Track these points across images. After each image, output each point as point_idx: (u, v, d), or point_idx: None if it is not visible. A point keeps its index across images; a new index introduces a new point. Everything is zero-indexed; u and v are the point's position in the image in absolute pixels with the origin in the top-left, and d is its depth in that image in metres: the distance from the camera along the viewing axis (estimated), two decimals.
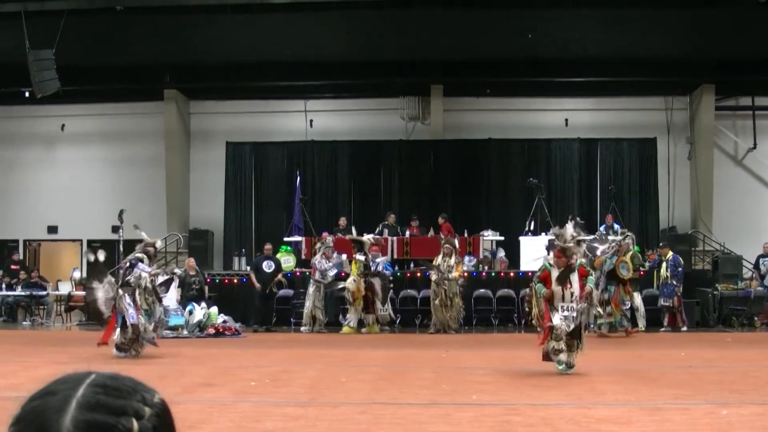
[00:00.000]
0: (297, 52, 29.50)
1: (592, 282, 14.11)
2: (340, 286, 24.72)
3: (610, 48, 29.30)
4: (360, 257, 24.67)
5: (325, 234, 26.92)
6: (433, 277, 24.55)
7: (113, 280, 18.58)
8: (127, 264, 18.65)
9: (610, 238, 25.08)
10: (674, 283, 25.17)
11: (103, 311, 18.28)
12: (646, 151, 32.18)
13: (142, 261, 18.51)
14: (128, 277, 18.20)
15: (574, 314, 14.19)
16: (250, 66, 31.04)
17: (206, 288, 26.66)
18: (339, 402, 11.91)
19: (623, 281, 23.98)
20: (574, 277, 14.25)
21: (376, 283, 24.74)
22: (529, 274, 25.51)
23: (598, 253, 23.22)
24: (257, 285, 25.50)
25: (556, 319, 14.13)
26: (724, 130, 33.07)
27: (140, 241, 19.38)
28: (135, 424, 1.59)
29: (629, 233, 26.02)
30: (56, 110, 33.48)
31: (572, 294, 14.18)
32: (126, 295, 17.85)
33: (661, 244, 26.99)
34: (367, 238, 25.28)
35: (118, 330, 17.86)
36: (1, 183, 34.87)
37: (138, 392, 1.65)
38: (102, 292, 18.26)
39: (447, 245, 24.76)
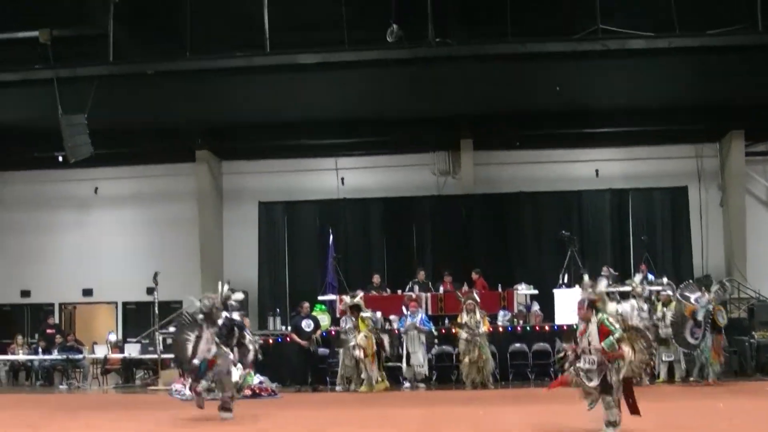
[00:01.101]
0: (327, 110, 29.64)
1: (608, 342, 13.89)
2: (352, 344, 24.64)
3: (638, 97, 29.25)
4: (366, 314, 24.66)
5: (342, 297, 26.81)
6: (463, 335, 24.47)
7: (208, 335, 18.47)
8: (226, 321, 18.50)
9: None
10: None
11: (190, 359, 18.26)
12: (677, 199, 32.12)
13: (244, 324, 18.74)
14: (238, 338, 18.37)
15: (594, 367, 13.98)
16: (281, 125, 31.20)
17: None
18: None
19: (719, 329, 23.91)
20: (593, 329, 14.06)
21: (385, 339, 24.71)
22: (564, 327, 25.50)
23: (692, 300, 23.25)
24: (304, 342, 25.41)
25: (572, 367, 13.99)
26: (754, 176, 32.95)
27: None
28: None
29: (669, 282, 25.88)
30: (89, 173, 33.72)
31: (590, 344, 13.99)
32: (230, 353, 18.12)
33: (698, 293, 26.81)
34: (359, 300, 25.22)
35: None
36: (36, 246, 35.07)
37: None
38: (191, 343, 18.30)
39: (469, 301, 24.71)
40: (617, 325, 13.84)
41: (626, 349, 13.70)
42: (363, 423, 17.13)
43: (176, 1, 25.80)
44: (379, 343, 24.56)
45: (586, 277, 14.83)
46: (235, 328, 18.35)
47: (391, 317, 26.43)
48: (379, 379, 24.55)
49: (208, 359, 17.78)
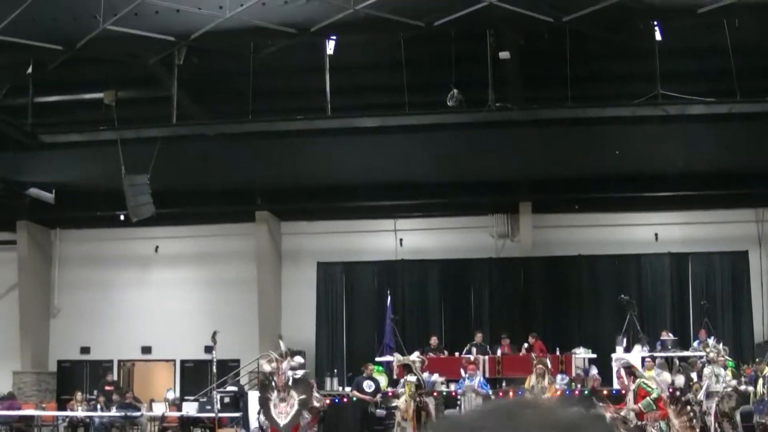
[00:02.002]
0: (386, 172, 29.81)
1: (645, 403, 13.84)
2: (393, 404, 24.59)
3: (697, 161, 29.16)
4: (411, 378, 24.59)
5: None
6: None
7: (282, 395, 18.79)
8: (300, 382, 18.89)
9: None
10: None
11: (278, 422, 18.59)
12: (737, 263, 31.91)
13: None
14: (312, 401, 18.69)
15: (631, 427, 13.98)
16: (340, 187, 31.42)
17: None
18: None
19: None
20: (630, 395, 14.06)
21: (430, 402, 24.55)
22: (623, 391, 25.30)
23: None
24: (368, 397, 25.40)
25: None
26: None
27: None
28: None
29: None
30: (150, 232, 34.09)
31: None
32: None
33: (757, 360, 26.61)
34: (415, 358, 25.13)
35: None
36: (96, 304, 35.44)
37: None
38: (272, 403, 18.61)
39: (540, 365, 24.59)
40: (653, 386, 13.86)
41: (670, 410, 13.68)
42: None
43: (239, 64, 26.12)
44: (422, 407, 24.38)
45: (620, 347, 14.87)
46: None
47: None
48: None
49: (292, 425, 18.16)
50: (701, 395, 23.18)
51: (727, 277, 31.90)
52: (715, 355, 23.76)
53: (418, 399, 24.24)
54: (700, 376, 24.41)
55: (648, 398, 13.97)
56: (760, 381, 24.98)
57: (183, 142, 27.80)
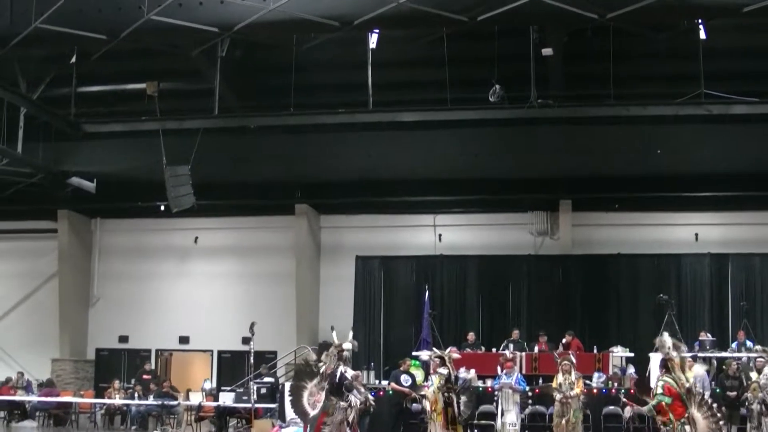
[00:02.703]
0: (426, 168, 29.80)
1: (648, 408, 13.89)
2: (422, 393, 24.55)
3: (739, 162, 28.97)
4: (442, 371, 24.53)
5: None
6: (557, 396, 24.31)
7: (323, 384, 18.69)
8: (339, 376, 18.66)
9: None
10: None
11: (307, 411, 18.50)
12: None
13: (353, 385, 18.66)
14: (348, 395, 18.46)
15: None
16: (380, 181, 31.42)
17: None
18: None
19: None
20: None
21: (462, 398, 24.39)
22: (632, 391, 25.30)
23: None
24: (407, 390, 25.39)
25: None
26: None
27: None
28: None
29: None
30: (190, 224, 34.26)
31: None
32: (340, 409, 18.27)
33: None
34: (450, 352, 25.05)
35: None
36: (135, 293, 35.65)
37: None
38: (308, 392, 18.58)
39: (565, 363, 24.50)
40: (660, 391, 13.81)
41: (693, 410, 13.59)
42: None
43: (282, 58, 26.20)
44: (449, 403, 24.23)
45: (665, 337, 14.70)
46: (343, 388, 18.40)
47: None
48: None
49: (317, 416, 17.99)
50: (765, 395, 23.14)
51: (767, 278, 31.67)
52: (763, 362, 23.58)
53: (446, 394, 24.16)
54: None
55: (650, 404, 13.94)
56: None
57: (224, 134, 27.92)
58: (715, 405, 14.28)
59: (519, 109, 25.26)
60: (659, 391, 14.00)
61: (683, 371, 14.16)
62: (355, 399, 18.70)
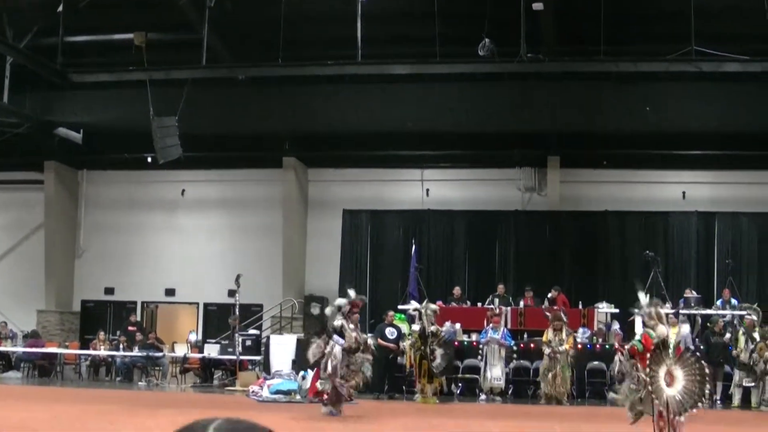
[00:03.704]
0: (415, 122, 29.73)
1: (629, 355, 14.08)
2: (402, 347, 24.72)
3: (728, 121, 28.93)
4: (416, 327, 24.63)
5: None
6: (546, 351, 24.44)
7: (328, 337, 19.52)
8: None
9: None
10: None
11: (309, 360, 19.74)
12: (765, 225, 31.70)
13: (340, 331, 19.22)
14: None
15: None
16: (369, 135, 31.29)
17: None
18: None
19: None
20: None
21: (438, 352, 24.46)
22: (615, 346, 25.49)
23: None
24: (392, 345, 25.46)
25: None
26: None
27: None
28: None
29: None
30: (177, 176, 34.14)
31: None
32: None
33: None
34: (426, 306, 25.16)
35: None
36: (122, 245, 35.55)
37: None
38: (315, 345, 19.56)
39: (557, 322, 24.63)
40: (638, 338, 13.91)
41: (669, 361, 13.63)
42: None
43: (270, 9, 26.05)
44: (425, 357, 24.29)
45: (641, 296, 14.73)
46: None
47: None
48: (424, 391, 24.36)
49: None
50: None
51: (753, 237, 31.71)
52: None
53: (422, 348, 24.24)
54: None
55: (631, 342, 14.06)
56: None
57: (212, 85, 27.85)
58: (705, 364, 14.29)
59: (509, 63, 25.21)
60: (637, 338, 14.08)
61: (662, 324, 14.15)
62: (334, 344, 19.21)
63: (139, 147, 30.59)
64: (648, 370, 13.62)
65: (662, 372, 13.63)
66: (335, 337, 19.51)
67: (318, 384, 19.80)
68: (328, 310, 20.94)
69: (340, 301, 20.44)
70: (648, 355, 13.70)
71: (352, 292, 20.46)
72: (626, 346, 14.33)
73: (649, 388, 13.47)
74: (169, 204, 35.67)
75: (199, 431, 1.73)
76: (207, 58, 26.58)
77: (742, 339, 24.65)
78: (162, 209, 35.75)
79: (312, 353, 19.70)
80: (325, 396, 19.37)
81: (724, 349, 25.06)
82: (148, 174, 34.41)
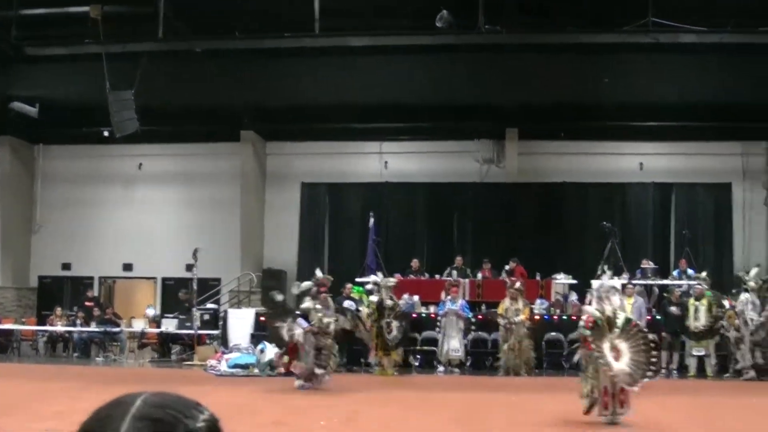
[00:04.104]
0: (374, 94, 29.65)
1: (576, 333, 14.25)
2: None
3: (685, 93, 29.08)
4: (374, 298, 24.66)
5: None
6: (501, 322, 24.53)
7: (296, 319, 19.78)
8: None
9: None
10: None
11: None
12: (721, 196, 31.96)
13: (306, 315, 19.36)
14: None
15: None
16: (327, 108, 31.19)
17: None
18: None
19: None
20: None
21: (394, 324, 24.52)
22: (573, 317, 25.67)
23: None
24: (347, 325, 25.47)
25: None
26: None
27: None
28: None
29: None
30: (134, 150, 33.88)
31: None
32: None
33: (734, 291, 26.72)
34: (384, 280, 25.26)
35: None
36: (78, 220, 35.28)
37: (180, 422, 1.67)
38: (286, 329, 19.73)
39: (513, 290, 24.72)
40: (581, 324, 14.00)
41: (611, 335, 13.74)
42: (398, 406, 17.18)
43: None
44: (381, 329, 24.34)
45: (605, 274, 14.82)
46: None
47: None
48: (382, 364, 24.40)
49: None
50: (741, 322, 23.56)
51: (709, 208, 31.98)
52: (754, 284, 23.92)
53: (378, 321, 24.27)
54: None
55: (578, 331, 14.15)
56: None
57: (169, 58, 27.58)
58: (650, 336, 14.39)
59: (467, 35, 25.14)
60: (581, 323, 14.18)
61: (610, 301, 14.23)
62: (297, 328, 19.38)
63: (95, 121, 30.31)
64: (593, 347, 13.71)
65: (606, 347, 13.73)
66: (299, 320, 19.62)
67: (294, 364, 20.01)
68: (295, 289, 21.07)
69: (306, 284, 20.57)
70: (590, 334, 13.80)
71: (318, 273, 20.58)
72: (574, 335, 14.45)
73: (600, 362, 13.56)
74: (126, 178, 35.41)
75: (127, 404, 1.68)
76: (163, 31, 26.31)
77: (692, 309, 24.88)
78: (119, 184, 35.49)
79: (284, 336, 19.87)
80: (299, 370, 19.50)
81: (680, 319, 25.22)
82: (105, 148, 34.12)
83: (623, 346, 13.76)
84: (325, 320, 19.93)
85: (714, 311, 24.83)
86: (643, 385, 13.67)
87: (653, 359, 14.03)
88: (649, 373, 13.82)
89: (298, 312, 20.15)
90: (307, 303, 19.85)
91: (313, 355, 19.51)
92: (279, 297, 20.85)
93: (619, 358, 13.69)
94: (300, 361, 19.75)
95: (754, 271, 24.85)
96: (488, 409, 16.34)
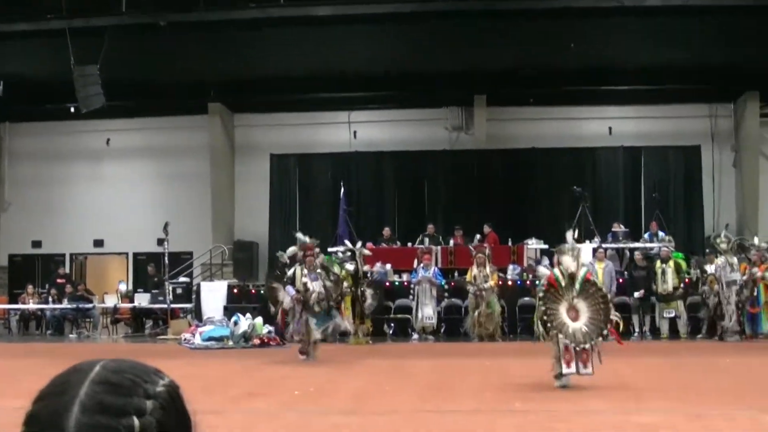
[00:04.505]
0: (341, 64, 29.58)
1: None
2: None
3: (653, 56, 29.13)
4: (350, 266, 24.67)
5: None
6: (471, 289, 24.60)
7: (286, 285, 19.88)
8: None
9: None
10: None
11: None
12: (690, 158, 32.07)
13: (292, 282, 19.60)
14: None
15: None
16: (294, 78, 31.07)
17: None
18: (384, 411, 11.91)
19: None
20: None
21: (369, 292, 24.59)
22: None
23: None
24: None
25: None
26: None
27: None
28: (136, 423, 1.60)
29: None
30: (101, 125, 33.70)
31: None
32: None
33: (708, 251, 26.86)
34: (360, 248, 25.30)
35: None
36: (47, 197, 35.13)
37: (140, 385, 1.66)
38: (281, 293, 19.90)
39: (479, 255, 24.77)
40: (540, 285, 14.11)
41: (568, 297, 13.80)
42: (372, 374, 17.21)
43: None
44: (357, 298, 24.37)
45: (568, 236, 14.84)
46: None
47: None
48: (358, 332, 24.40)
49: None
50: (719, 287, 23.75)
51: (679, 171, 32.10)
52: (726, 246, 24.04)
53: (353, 289, 24.30)
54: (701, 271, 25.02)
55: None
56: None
57: (134, 32, 27.40)
58: (609, 299, 14.48)
59: (433, 2, 25.09)
60: (540, 285, 14.26)
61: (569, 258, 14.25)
62: (286, 296, 19.49)
63: (61, 97, 30.11)
64: (545, 309, 13.76)
65: (563, 308, 13.77)
66: (287, 287, 19.64)
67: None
68: (282, 258, 21.08)
69: (291, 249, 20.47)
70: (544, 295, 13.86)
71: (301, 236, 20.45)
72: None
73: (551, 324, 13.62)
74: (94, 154, 35.24)
75: (85, 371, 1.66)
76: (127, 4, 26.16)
77: (659, 271, 25.01)
78: (87, 159, 35.32)
79: (279, 299, 19.94)
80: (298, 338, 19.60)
81: (646, 281, 25.37)
82: (71, 124, 33.89)
83: (582, 305, 13.81)
84: (311, 286, 19.76)
85: (682, 274, 25.07)
86: (600, 345, 13.74)
87: (611, 316, 14.11)
88: (605, 331, 13.93)
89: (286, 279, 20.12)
90: (294, 268, 19.84)
91: (302, 322, 19.50)
92: (285, 258, 20.84)
93: (577, 318, 13.74)
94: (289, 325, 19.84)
95: (722, 233, 25.01)
96: (462, 375, 16.37)
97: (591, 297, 13.90)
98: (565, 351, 13.58)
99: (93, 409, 1.60)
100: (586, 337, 13.56)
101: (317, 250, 20.13)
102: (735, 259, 24.10)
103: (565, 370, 13.59)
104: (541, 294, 13.95)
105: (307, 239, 20.23)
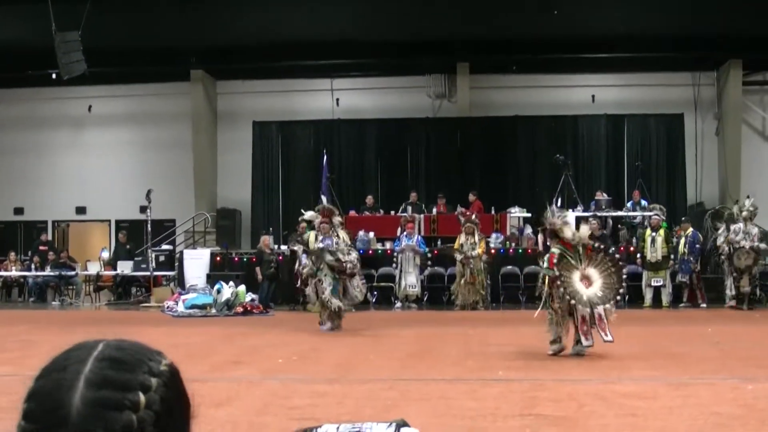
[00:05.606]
0: (323, 31, 29.50)
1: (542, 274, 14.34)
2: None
3: (636, 24, 29.11)
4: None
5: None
6: (458, 257, 24.61)
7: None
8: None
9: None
10: (691, 259, 25.08)
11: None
12: (673, 127, 32.09)
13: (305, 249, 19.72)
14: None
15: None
16: (277, 45, 30.98)
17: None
18: (366, 379, 11.93)
19: None
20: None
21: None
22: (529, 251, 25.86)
23: None
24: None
25: None
26: (751, 106, 32.91)
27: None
28: (142, 398, 1.61)
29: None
30: (83, 92, 33.62)
31: None
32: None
33: (683, 219, 26.91)
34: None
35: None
36: (29, 165, 35.02)
37: (144, 363, 1.67)
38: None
39: (468, 224, 24.78)
40: (545, 264, 14.06)
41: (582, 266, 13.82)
42: (355, 342, 17.24)
43: None
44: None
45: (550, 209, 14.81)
46: None
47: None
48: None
49: None
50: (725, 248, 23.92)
51: (662, 139, 32.12)
52: (748, 214, 24.10)
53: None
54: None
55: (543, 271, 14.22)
56: (682, 241, 25.32)
57: None
58: (612, 254, 14.51)
59: None
60: (545, 264, 14.20)
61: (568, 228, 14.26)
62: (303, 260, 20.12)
63: (43, 64, 29.91)
64: (561, 277, 13.77)
65: (576, 276, 13.81)
66: (303, 254, 19.80)
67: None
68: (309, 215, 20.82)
69: (309, 214, 20.25)
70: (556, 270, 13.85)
71: (325, 199, 20.61)
72: (540, 276, 14.55)
73: (565, 291, 13.62)
74: (76, 121, 35.14)
75: (89, 348, 1.67)
76: None
77: (648, 239, 25.07)
78: (69, 126, 35.23)
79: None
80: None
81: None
82: (53, 91, 33.75)
83: (593, 272, 13.86)
84: (316, 246, 19.57)
85: (671, 243, 25.19)
86: (614, 311, 13.86)
87: (624, 276, 14.25)
88: (621, 290, 14.07)
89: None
90: (308, 234, 19.79)
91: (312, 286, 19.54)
92: (308, 216, 20.69)
93: (590, 285, 13.80)
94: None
95: (748, 202, 24.93)
96: (445, 343, 16.41)
97: (600, 264, 13.96)
98: (582, 322, 13.63)
99: (98, 384, 1.61)
100: (603, 299, 13.67)
101: (338, 218, 19.86)
102: (755, 229, 24.19)
103: (584, 342, 13.63)
104: (552, 272, 13.92)
105: (324, 205, 20.39)
